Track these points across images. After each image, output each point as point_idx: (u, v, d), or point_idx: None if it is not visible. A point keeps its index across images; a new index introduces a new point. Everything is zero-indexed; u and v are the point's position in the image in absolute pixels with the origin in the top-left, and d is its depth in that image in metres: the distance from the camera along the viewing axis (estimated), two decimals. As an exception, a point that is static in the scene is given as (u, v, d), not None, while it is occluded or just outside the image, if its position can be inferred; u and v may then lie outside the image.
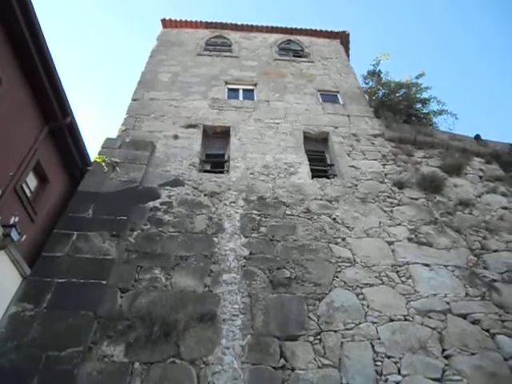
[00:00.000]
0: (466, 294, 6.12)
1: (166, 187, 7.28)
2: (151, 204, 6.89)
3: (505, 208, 8.41)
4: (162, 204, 6.91)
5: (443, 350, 5.27)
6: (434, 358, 5.15)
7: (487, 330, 5.66)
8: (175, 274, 5.78)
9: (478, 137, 10.98)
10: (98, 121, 29.84)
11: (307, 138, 9.18)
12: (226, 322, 5.23)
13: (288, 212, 6.89)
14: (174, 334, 4.97)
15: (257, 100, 10.45)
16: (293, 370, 4.80)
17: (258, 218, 6.74)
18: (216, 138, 9.18)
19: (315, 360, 4.93)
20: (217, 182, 7.55)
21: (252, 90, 10.96)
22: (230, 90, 10.90)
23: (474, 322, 5.73)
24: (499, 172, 9.70)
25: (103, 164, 7.29)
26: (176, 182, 7.42)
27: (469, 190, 8.54)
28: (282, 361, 4.86)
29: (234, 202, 7.06)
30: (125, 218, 6.36)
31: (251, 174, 7.78)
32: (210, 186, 7.44)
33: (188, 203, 6.99)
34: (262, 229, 6.53)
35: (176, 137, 8.68)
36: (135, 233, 6.35)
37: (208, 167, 8.46)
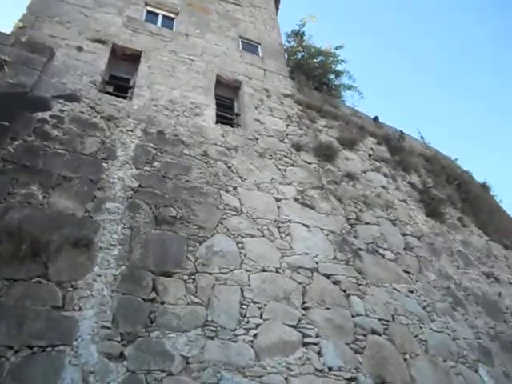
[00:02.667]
0: (334, 258, 6.69)
1: (60, 100, 6.69)
2: (40, 115, 6.30)
3: (383, 187, 9.23)
4: (51, 117, 6.35)
5: (303, 303, 5.77)
6: (294, 308, 5.63)
7: (344, 291, 6.31)
8: (55, 193, 5.43)
9: (376, 118, 11.75)
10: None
11: (219, 82, 9.01)
12: (102, 250, 5.10)
13: (185, 152, 6.80)
14: (43, 255, 4.73)
15: (176, 31, 9.90)
16: (162, 303, 4.90)
17: (154, 151, 6.55)
18: (124, 60, 8.58)
19: (185, 297, 5.08)
20: (117, 107, 7.13)
21: (172, 19, 10.34)
22: (148, 12, 10.14)
23: (335, 283, 6.33)
24: (386, 154, 10.56)
25: (-11, 59, 6.44)
26: (71, 97, 6.85)
27: (357, 165, 9.18)
28: (153, 294, 4.93)
29: (131, 131, 6.75)
30: (6, 124, 5.75)
31: (155, 106, 7.47)
32: (108, 108, 7.00)
33: (81, 122, 6.53)
34: (156, 164, 6.38)
35: (80, 49, 7.92)
36: (16, 143, 5.78)
37: (110, 89, 7.91)
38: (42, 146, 5.89)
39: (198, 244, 5.65)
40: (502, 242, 12.36)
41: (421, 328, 6.70)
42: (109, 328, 4.47)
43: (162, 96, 7.71)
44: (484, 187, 14.54)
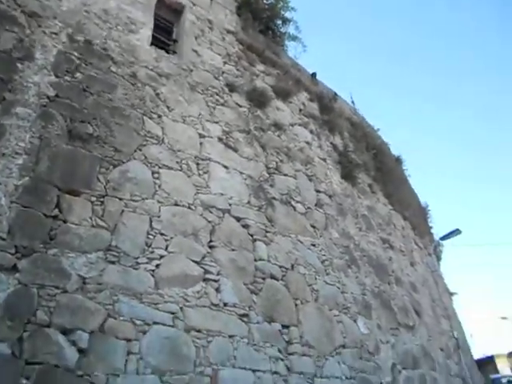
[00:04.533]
0: (248, 202, 6.83)
1: (-27, -18, 5.84)
2: None
3: (307, 143, 9.46)
4: (-40, -1, 5.56)
5: (210, 241, 5.88)
6: (201, 245, 5.73)
7: (251, 235, 6.52)
8: (-44, 86, 4.86)
9: (314, 75, 11.79)
10: None
11: (161, 1, 8.39)
12: (5, 156, 4.71)
13: (113, 69, 6.34)
14: None
15: None
16: (65, 222, 4.71)
17: (78, 62, 6.01)
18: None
19: (91, 219, 4.92)
20: (42, 4, 6.37)
21: None
22: None
23: (244, 226, 6.51)
24: (316, 112, 10.74)
25: None
26: (-12, -19, 6.01)
27: (286, 117, 9.26)
28: (56, 211, 4.71)
29: (55, 34, 6.11)
30: None
31: (87, 12, 6.79)
32: (32, 3, 6.23)
33: (-3, 12, 5.79)
34: (78, 75, 5.89)
35: None
36: None
37: (37, -18, 7.04)
38: None
39: (111, 167, 5.42)
40: (402, 213, 13.42)
41: (315, 279, 7.19)
42: (3, 239, 4.23)
43: (95, 2, 7.01)
44: (397, 160, 15.51)
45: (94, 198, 5.07)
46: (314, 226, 7.95)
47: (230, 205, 6.49)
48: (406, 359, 8.70)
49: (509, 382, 20.45)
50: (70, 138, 5.27)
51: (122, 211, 5.24)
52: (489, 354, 43.01)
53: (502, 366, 40.13)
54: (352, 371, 6.83)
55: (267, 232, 6.79)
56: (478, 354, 34.26)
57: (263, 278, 6.21)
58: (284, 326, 6.06)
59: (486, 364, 35.85)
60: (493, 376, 24.40)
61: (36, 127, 5.09)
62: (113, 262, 4.81)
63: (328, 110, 11.21)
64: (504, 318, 39.88)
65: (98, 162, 5.33)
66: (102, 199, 5.12)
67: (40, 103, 5.32)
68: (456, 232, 13.10)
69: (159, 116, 6.42)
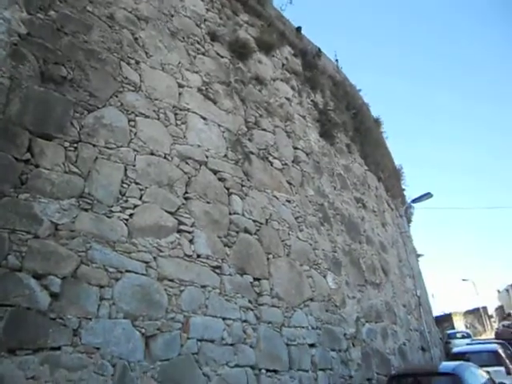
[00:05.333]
0: (225, 155, 6.79)
1: None
2: None
3: (288, 99, 9.37)
4: None
5: (186, 193, 5.86)
6: (176, 196, 5.71)
7: (227, 189, 6.53)
8: None
9: (299, 29, 11.51)
10: None
11: None
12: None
13: (89, 9, 5.99)
14: None
15: None
16: (37, 166, 4.59)
17: (51, -2, 5.68)
18: None
19: (64, 165, 4.81)
20: None
21: None
22: None
23: (221, 179, 6.50)
24: (299, 68, 10.57)
25: None
26: None
27: (268, 71, 9.08)
28: (28, 155, 4.57)
29: (26, -34, 5.73)
30: None
31: None
32: None
33: None
34: (52, 13, 5.55)
35: None
36: None
37: None
38: None
39: (86, 112, 5.25)
40: (377, 174, 13.64)
41: (289, 235, 7.33)
42: (-29, 181, 4.12)
43: None
44: (376, 122, 15.57)
45: (67, 144, 4.93)
46: (289, 183, 8.01)
47: (206, 157, 6.44)
48: (369, 313, 9.11)
49: (463, 336, 22.31)
50: (42, 80, 5.04)
51: (96, 158, 5.13)
52: (447, 312, 45.95)
53: (458, 323, 43.04)
54: (318, 322, 7.13)
55: (243, 186, 6.81)
56: (438, 312, 36.56)
57: (237, 232, 6.29)
58: (255, 279, 6.22)
59: (444, 321, 38.57)
60: (449, 331, 26.52)
61: (6, 67, 4.84)
62: (86, 210, 4.76)
63: (311, 67, 11.05)
64: (465, 280, 42.02)
65: (71, 106, 5.15)
66: (75, 145, 4.99)
67: (11, 41, 5.03)
68: (427, 195, 13.41)
69: (137, 62, 6.18)
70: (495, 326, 38.57)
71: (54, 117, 4.94)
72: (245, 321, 5.77)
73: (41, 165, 4.62)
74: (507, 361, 9.80)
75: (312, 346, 6.80)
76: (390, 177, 15.31)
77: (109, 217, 4.93)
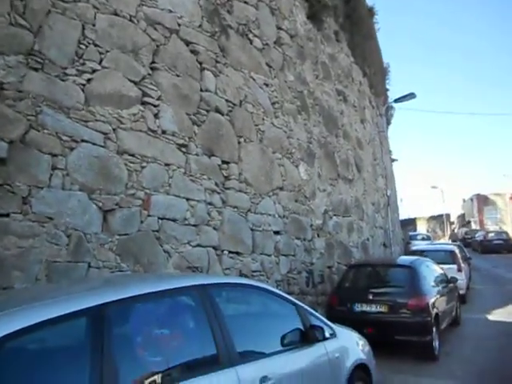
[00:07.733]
0: (200, 26, 6.09)
1: None
2: None
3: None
4: None
5: (152, 62, 5.28)
6: (141, 64, 5.13)
7: (200, 63, 5.95)
8: None
9: None
10: None
11: None
12: None
13: None
14: None
15: None
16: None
17: None
18: None
19: (9, 15, 4.14)
20: None
21: None
22: None
23: (193, 52, 5.90)
24: None
25: None
26: None
27: None
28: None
29: None
30: None
31: None
32: None
33: None
34: None
35: None
36: None
37: None
38: None
39: None
40: (363, 68, 12.98)
41: (263, 120, 6.95)
42: None
43: None
44: (370, 11, 14.47)
45: None
46: (269, 65, 7.43)
47: (178, 25, 5.75)
48: (338, 207, 9.19)
49: (423, 238, 24.57)
50: None
51: (49, 11, 4.44)
52: (412, 217, 48.48)
53: (421, 227, 45.81)
54: (286, 211, 7.09)
55: (218, 62, 6.23)
56: (404, 216, 38.49)
57: (207, 111, 5.86)
58: (224, 162, 5.95)
59: (408, 224, 41.01)
60: (411, 233, 28.88)
61: None
62: (35, 69, 4.21)
63: None
64: (434, 187, 43.35)
65: None
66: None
67: None
68: (411, 96, 12.94)
69: None
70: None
71: None
72: (210, 203, 5.62)
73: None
74: (460, 260, 10.71)
75: (277, 233, 6.83)
76: (375, 73, 14.66)
77: (63, 80, 4.39)
